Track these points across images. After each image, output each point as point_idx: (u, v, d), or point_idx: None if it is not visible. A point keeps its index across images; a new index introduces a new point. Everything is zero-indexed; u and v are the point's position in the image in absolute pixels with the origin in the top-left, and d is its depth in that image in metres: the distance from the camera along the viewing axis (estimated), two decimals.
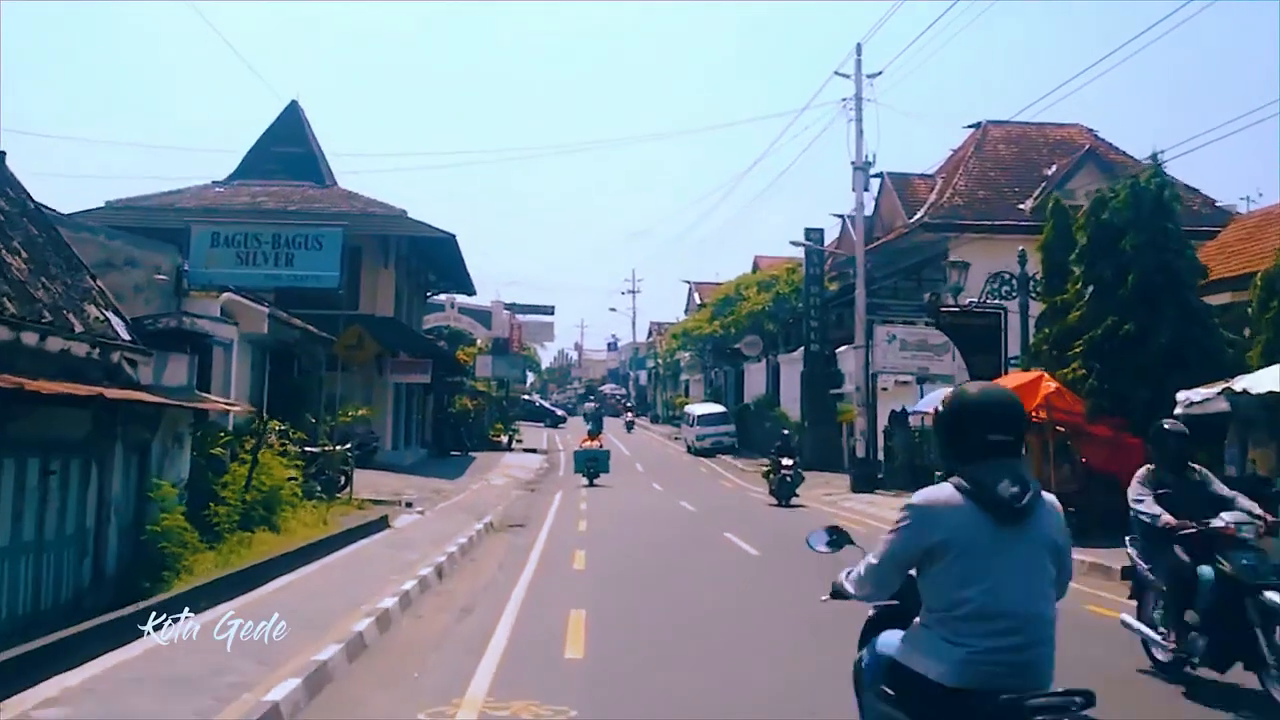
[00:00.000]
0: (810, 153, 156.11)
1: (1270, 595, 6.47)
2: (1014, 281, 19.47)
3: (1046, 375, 15.42)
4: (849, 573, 3.83)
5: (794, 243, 36.35)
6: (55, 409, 9.50)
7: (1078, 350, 15.75)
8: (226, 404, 15.02)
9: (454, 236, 31.17)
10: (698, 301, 63.48)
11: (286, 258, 17.83)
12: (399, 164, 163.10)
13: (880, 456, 28.41)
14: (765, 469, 25.04)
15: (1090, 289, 15.81)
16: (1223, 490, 7.44)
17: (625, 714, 6.54)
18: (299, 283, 18.39)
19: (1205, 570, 6.92)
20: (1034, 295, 19.00)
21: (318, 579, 10.51)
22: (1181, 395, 12.64)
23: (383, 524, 15.88)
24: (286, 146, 33.89)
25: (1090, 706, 3.09)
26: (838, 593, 3.99)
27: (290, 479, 15.17)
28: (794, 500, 23.77)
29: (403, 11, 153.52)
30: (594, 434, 31.62)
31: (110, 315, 13.31)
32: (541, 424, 60.13)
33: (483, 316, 58.20)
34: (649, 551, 14.67)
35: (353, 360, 19.64)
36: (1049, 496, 3.43)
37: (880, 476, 27.56)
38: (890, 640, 3.62)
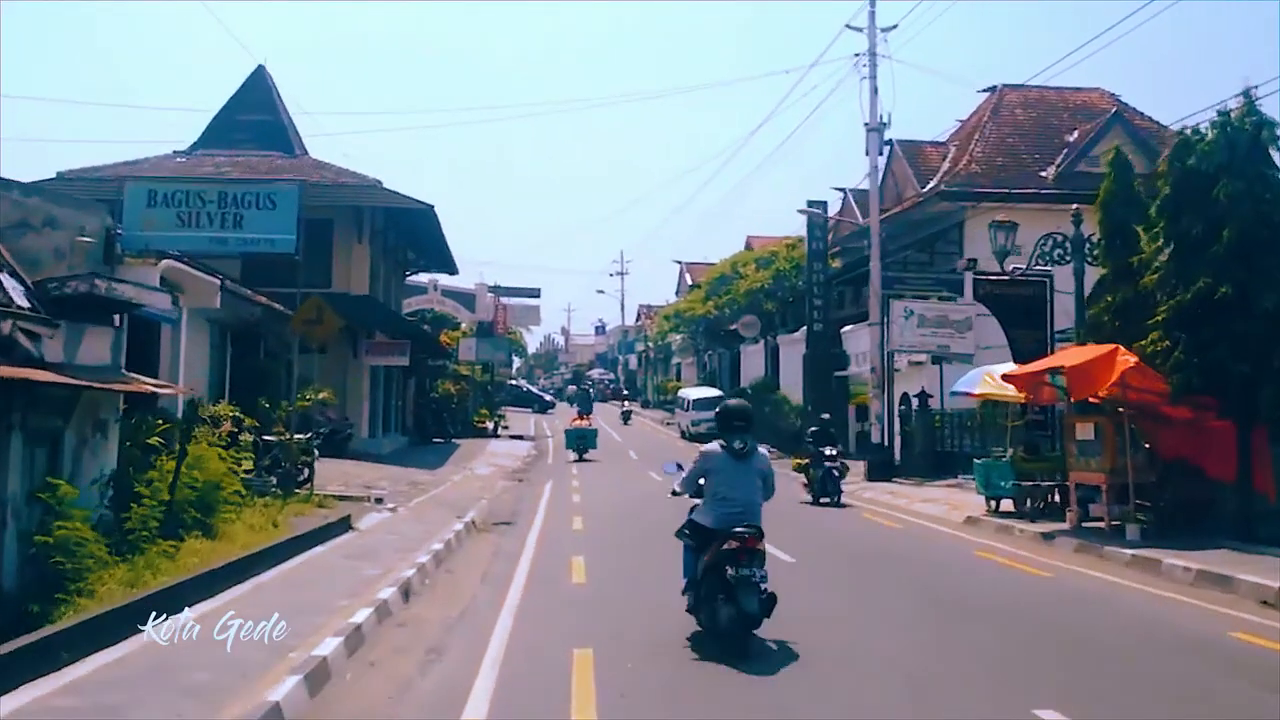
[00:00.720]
0: (809, 127, 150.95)
1: None
2: (1067, 244, 17.15)
3: (1122, 349, 13.15)
4: (676, 484, 8.60)
5: (801, 210, 34.10)
6: None
7: (1159, 319, 13.47)
8: (155, 385, 12.59)
9: (432, 207, 28.73)
10: (689, 282, 61.14)
11: (235, 218, 15.36)
12: (377, 124, 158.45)
13: (892, 442, 26.09)
14: (798, 462, 21.84)
15: (1170, 247, 13.52)
16: None
17: None
18: (249, 247, 15.91)
19: None
20: (1090, 260, 16.72)
21: (245, 606, 8.12)
22: None
23: (344, 526, 13.51)
24: (253, 114, 31.63)
25: (759, 537, 7.60)
26: (676, 493, 8.60)
27: (231, 473, 12.74)
28: (841, 498, 19.72)
29: None
30: (583, 414, 33.45)
31: (3, 277, 10.91)
32: (529, 409, 57.88)
33: (467, 300, 56.02)
34: (658, 559, 12.30)
35: (313, 337, 17.23)
36: (761, 449, 8.34)
37: (897, 463, 25.33)
38: (694, 512, 8.15)
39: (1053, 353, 18.34)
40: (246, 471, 16.18)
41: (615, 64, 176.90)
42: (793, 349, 38.72)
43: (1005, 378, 15.80)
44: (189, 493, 11.67)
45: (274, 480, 15.68)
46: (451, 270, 40.54)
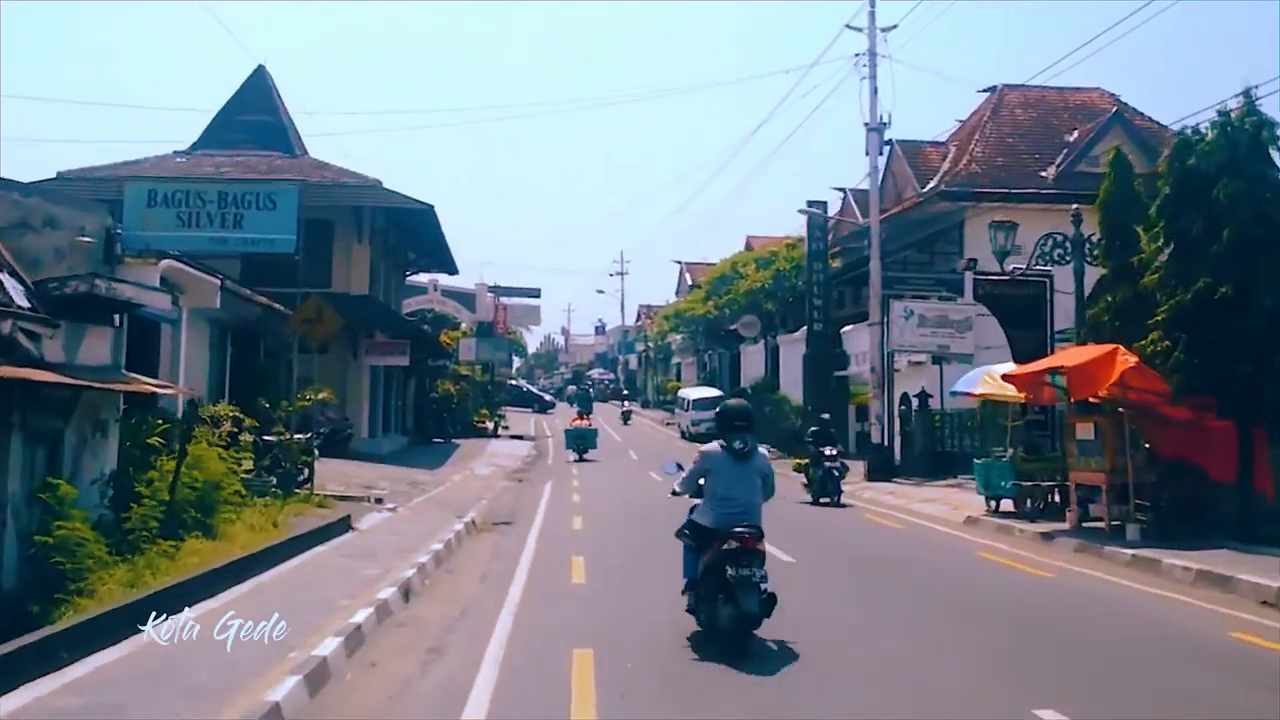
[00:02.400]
0: (809, 128, 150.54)
1: None
2: (1067, 244, 17.14)
3: (1122, 349, 13.14)
4: (676, 484, 8.59)
5: (801, 210, 34.07)
6: None
7: (1159, 318, 13.47)
8: (156, 385, 12.59)
9: (432, 207, 28.74)
10: (689, 282, 61.16)
11: (235, 218, 15.35)
12: (377, 123, 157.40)
13: (892, 442, 26.09)
14: (798, 462, 21.71)
15: (1171, 247, 13.52)
16: None
17: None
18: (250, 247, 15.93)
19: None
20: (1090, 260, 16.71)
21: (245, 605, 8.12)
22: None
23: (344, 526, 13.51)
24: (253, 115, 31.62)
25: (759, 538, 7.64)
26: (676, 493, 8.61)
27: (231, 474, 12.73)
28: (841, 498, 19.63)
29: None
30: (583, 414, 33.67)
31: (4, 277, 10.91)
32: (529, 410, 57.83)
33: (467, 300, 55.94)
34: (659, 559, 12.30)
35: (313, 337, 17.21)
36: (761, 449, 8.34)
37: (896, 463, 25.33)
38: (694, 512, 8.17)
39: (1053, 353, 18.34)
40: (246, 472, 16.15)
41: (615, 64, 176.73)
42: (793, 349, 38.75)
43: (1005, 378, 15.82)
44: (189, 493, 11.66)
45: (274, 480, 15.65)
46: (452, 270, 40.57)
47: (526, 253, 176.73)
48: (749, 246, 48.96)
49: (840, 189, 38.75)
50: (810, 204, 35.59)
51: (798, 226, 43.54)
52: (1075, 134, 30.76)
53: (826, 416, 22.72)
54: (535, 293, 63.19)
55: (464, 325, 51.21)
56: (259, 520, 12.81)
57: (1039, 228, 19.16)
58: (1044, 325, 19.81)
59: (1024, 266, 18.54)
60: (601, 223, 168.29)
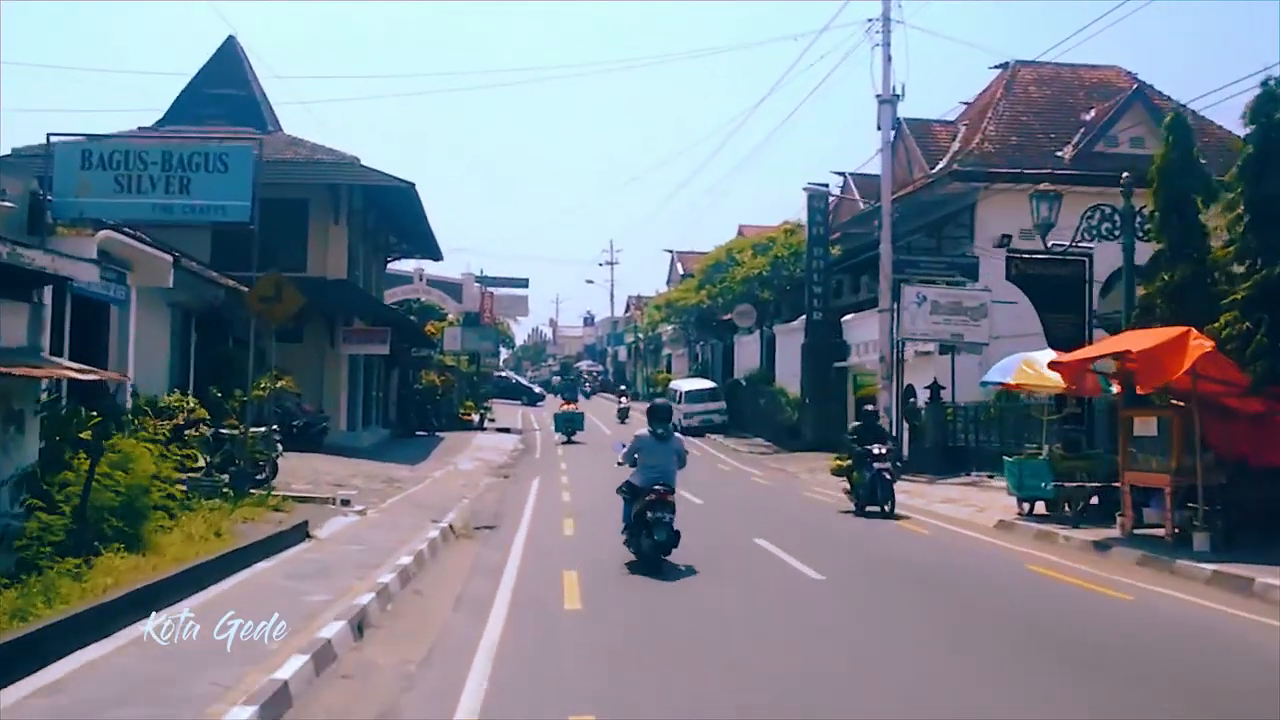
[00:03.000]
0: (805, 115, 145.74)
1: None
2: (1116, 217, 15.40)
3: (1195, 332, 11.42)
4: (619, 457, 11.98)
5: (805, 188, 32.42)
6: None
7: (1237, 297, 11.75)
8: (78, 371, 10.75)
9: (412, 185, 26.91)
10: (681, 271, 59.41)
11: (181, 182, 13.49)
12: (356, 89, 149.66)
13: (899, 436, 24.35)
14: (837, 464, 17.93)
15: (1248, 216, 11.80)
16: None
17: None
18: (198, 215, 14.02)
19: None
20: (1142, 235, 14.99)
21: (140, 654, 6.30)
22: None
23: (300, 534, 11.69)
24: (224, 88, 29.96)
25: (670, 492, 11.08)
26: (620, 464, 11.93)
27: (166, 474, 10.91)
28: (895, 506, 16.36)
29: None
30: (569, 400, 36.80)
31: None
32: (518, 402, 56.07)
33: (453, 289, 54.26)
34: (668, 570, 10.60)
35: (272, 318, 15.34)
36: (677, 434, 12.25)
37: (904, 459, 23.66)
38: (630, 477, 11.56)
39: (1091, 340, 16.66)
40: (194, 470, 14.38)
41: (614, 31, 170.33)
42: (790, 339, 37.04)
43: (1053, 365, 14.06)
44: (110, 497, 9.83)
45: (225, 479, 13.84)
46: (436, 256, 38.65)
47: (514, 242, 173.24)
48: (742, 235, 47.24)
49: (840, 172, 36.95)
50: (811, 186, 33.98)
51: (796, 212, 41.96)
52: (1093, 112, 29.14)
53: (871, 408, 19.90)
54: (523, 283, 61.25)
55: (450, 315, 49.39)
56: (200, 528, 10.97)
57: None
58: (1082, 308, 18.10)
59: (1066, 244, 16.76)
60: (592, 208, 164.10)
